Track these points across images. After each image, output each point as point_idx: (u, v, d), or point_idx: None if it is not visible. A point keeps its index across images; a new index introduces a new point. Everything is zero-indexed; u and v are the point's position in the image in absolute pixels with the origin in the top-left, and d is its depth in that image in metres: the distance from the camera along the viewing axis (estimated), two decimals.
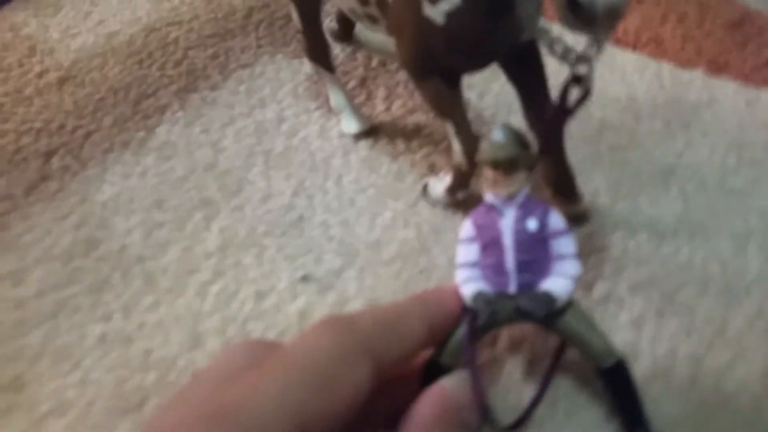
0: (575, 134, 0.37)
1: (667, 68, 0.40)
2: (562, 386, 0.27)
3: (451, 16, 0.27)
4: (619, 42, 0.42)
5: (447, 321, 0.24)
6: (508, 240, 0.25)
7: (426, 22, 0.27)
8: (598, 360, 0.24)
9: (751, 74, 0.39)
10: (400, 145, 0.38)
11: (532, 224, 0.25)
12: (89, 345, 0.32)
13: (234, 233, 0.35)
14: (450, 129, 0.30)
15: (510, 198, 0.25)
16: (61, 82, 0.47)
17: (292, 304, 0.32)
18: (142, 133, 0.42)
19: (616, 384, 0.24)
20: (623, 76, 0.40)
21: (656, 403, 0.25)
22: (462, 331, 0.24)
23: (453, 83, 0.30)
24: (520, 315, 0.24)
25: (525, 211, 0.25)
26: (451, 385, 0.23)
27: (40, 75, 0.48)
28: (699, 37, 0.41)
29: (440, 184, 0.34)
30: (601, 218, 0.32)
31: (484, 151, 0.25)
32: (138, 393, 0.29)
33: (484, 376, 0.25)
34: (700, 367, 0.27)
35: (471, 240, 0.25)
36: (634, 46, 0.41)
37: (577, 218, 0.31)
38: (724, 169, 0.34)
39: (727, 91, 0.38)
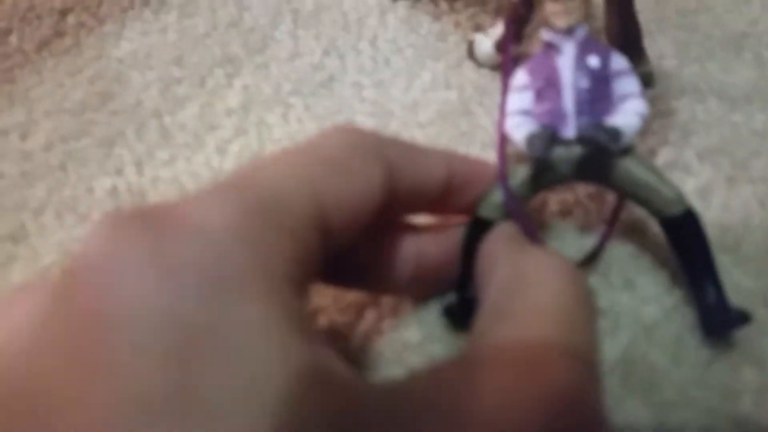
0: None
1: None
2: (617, 254, 0.24)
3: None
4: None
5: (469, 178, 0.22)
6: (567, 77, 0.22)
7: None
8: (664, 208, 0.21)
9: None
10: (443, 4, 0.35)
11: (593, 60, 0.22)
12: (98, 198, 0.29)
13: (258, 91, 0.32)
14: None
15: (569, 32, 0.22)
16: None
17: None
18: None
19: (684, 237, 0.21)
20: None
21: (725, 274, 0.22)
22: (511, 181, 0.21)
23: None
24: (578, 167, 0.21)
25: (585, 47, 0.22)
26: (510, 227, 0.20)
27: None
28: None
29: (488, 39, 0.30)
30: (666, 82, 0.29)
31: None
32: None
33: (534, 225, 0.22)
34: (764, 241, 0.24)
35: (523, 88, 0.23)
36: None
37: (641, 78, 0.28)
38: None
39: None
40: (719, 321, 0.21)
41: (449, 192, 0.21)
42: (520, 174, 0.22)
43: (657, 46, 0.30)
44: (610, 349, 0.22)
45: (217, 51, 0.34)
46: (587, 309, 0.19)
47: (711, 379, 0.21)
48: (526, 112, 0.22)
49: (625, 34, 0.28)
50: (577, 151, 0.21)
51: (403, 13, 0.35)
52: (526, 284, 0.19)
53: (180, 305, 0.13)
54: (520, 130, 0.22)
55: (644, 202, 0.22)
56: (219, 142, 0.31)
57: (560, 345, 0.17)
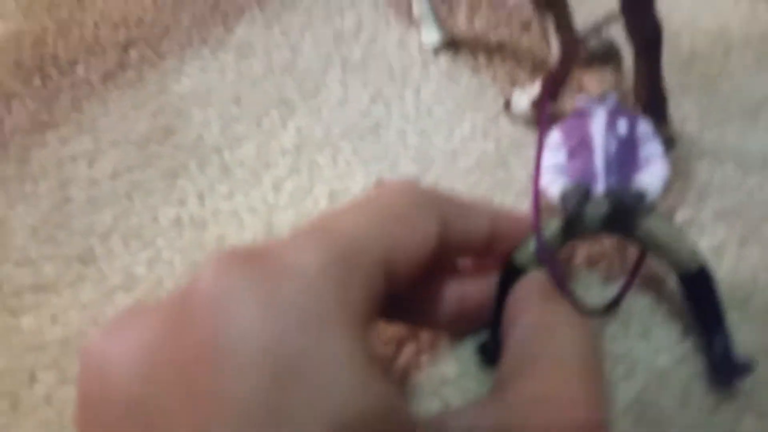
0: (665, 62, 0.36)
1: (763, 3, 0.38)
2: (636, 304, 0.27)
3: None
4: None
5: (510, 231, 0.24)
6: (598, 140, 0.24)
7: None
8: (682, 264, 0.24)
9: None
10: (482, 59, 0.38)
11: (622, 126, 0.25)
12: (163, 226, 0.32)
13: (310, 133, 0.35)
14: (550, 23, 0.30)
15: (601, 99, 0.25)
16: None
17: None
18: (220, 30, 0.42)
19: (698, 291, 0.24)
20: (715, 5, 0.38)
21: (734, 328, 0.24)
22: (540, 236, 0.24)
23: None
24: (605, 222, 0.24)
25: (614, 114, 0.25)
26: (539, 276, 0.23)
27: None
28: None
29: (525, 96, 0.33)
30: (688, 145, 0.31)
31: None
32: None
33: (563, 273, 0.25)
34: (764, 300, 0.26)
35: (558, 146, 0.25)
36: None
37: (664, 142, 0.31)
38: None
39: None
40: (725, 371, 0.24)
41: (492, 241, 0.24)
42: (552, 226, 0.24)
43: (681, 109, 0.33)
44: (625, 391, 0.25)
45: (272, 93, 0.37)
46: (599, 360, 0.22)
47: (715, 424, 0.24)
48: (559, 168, 0.25)
49: (652, 100, 0.31)
50: (605, 207, 0.24)
51: (445, 65, 0.38)
52: (548, 333, 0.22)
53: (280, 337, 0.16)
54: (554, 185, 0.24)
55: (663, 257, 0.24)
56: (274, 180, 0.33)
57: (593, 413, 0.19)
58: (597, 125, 0.25)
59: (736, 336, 0.24)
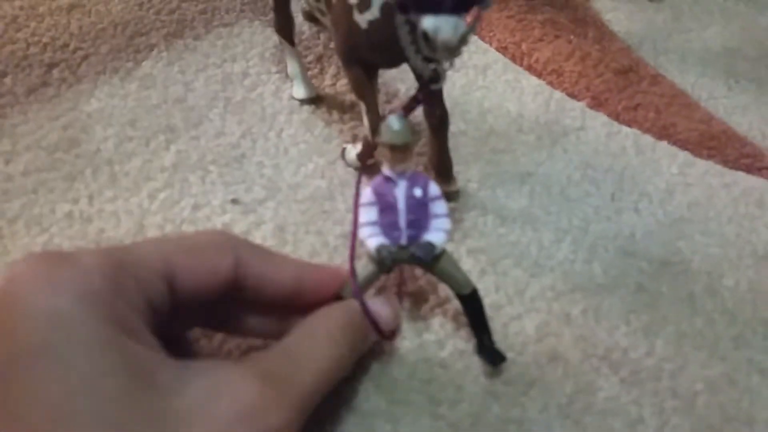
0: (469, 134, 0.46)
1: (557, 96, 0.50)
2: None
3: (371, 24, 0.36)
4: (530, 69, 0.52)
5: (314, 280, 0.32)
6: (401, 204, 0.32)
7: (354, 25, 0.37)
8: (461, 289, 0.34)
9: (622, 113, 0.49)
10: (335, 114, 0.48)
11: (418, 191, 0.33)
12: (58, 218, 0.41)
13: (187, 156, 0.44)
14: (363, 108, 0.40)
15: (402, 172, 0.33)
16: (71, 7, 0.55)
17: (220, 217, 0.41)
18: (131, 64, 0.50)
19: (472, 306, 0.34)
20: (521, 95, 0.49)
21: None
22: (361, 274, 0.32)
23: (371, 73, 0.39)
24: (413, 260, 0.33)
25: (412, 181, 0.33)
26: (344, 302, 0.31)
27: None
28: (592, 75, 0.51)
29: (354, 150, 0.43)
30: (465, 199, 0.42)
31: (384, 135, 0.32)
32: None
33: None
34: (499, 315, 0.37)
35: (371, 204, 0.33)
36: (540, 74, 0.51)
37: (448, 196, 0.41)
38: (569, 180, 0.44)
39: (597, 122, 0.48)
40: (490, 358, 0.34)
41: (299, 289, 0.31)
42: (366, 270, 0.33)
43: (468, 173, 0.43)
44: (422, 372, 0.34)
45: (163, 120, 0.47)
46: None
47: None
48: (374, 223, 0.33)
49: (440, 165, 0.41)
50: (407, 254, 0.33)
51: (305, 115, 0.47)
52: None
53: (52, 302, 0.23)
54: (372, 240, 0.32)
55: (449, 283, 0.34)
56: (151, 190, 0.42)
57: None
58: (399, 192, 0.33)
59: None
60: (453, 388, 0.34)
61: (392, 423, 0.32)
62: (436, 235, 0.33)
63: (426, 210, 0.33)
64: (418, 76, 0.37)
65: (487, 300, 0.36)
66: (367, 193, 0.33)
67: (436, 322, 0.36)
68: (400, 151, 0.32)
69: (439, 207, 0.33)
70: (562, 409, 0.33)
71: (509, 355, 0.35)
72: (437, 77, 0.32)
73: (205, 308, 0.30)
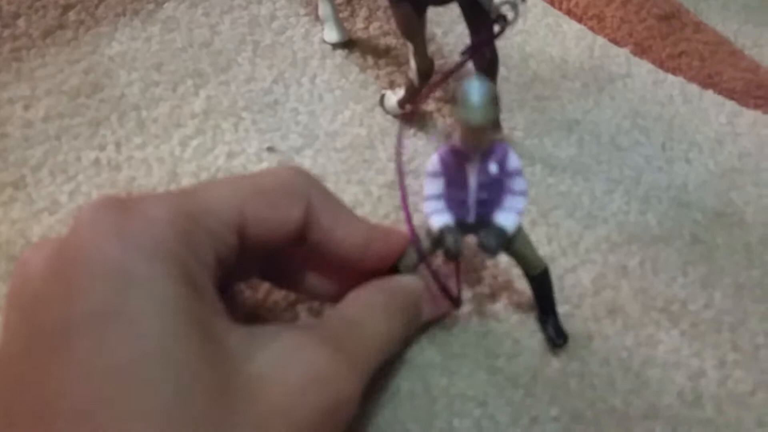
0: (511, 80, 0.45)
1: (600, 41, 0.48)
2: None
3: None
4: (569, 13, 0.49)
5: (385, 243, 0.29)
6: (472, 182, 0.28)
7: None
8: (531, 270, 0.31)
9: (666, 61, 0.47)
10: (370, 59, 0.45)
11: (493, 168, 0.28)
12: (84, 165, 0.39)
13: (218, 102, 0.42)
14: (410, 49, 0.38)
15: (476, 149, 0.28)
16: None
17: (257, 166, 0.39)
18: (151, 6, 0.48)
19: (540, 286, 0.32)
20: (563, 40, 0.47)
21: None
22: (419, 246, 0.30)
23: (420, 11, 0.37)
24: (480, 246, 0.29)
25: (488, 154, 0.28)
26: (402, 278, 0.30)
27: None
28: (634, 21, 0.49)
29: (394, 96, 0.41)
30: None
31: (460, 109, 0.26)
32: None
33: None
34: (553, 267, 0.35)
35: (437, 175, 0.29)
36: (580, 19, 0.49)
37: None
38: (618, 129, 0.42)
39: (642, 70, 0.46)
40: (556, 339, 0.32)
41: (368, 256, 0.28)
42: (425, 243, 0.30)
43: (513, 120, 0.41)
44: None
45: (189, 64, 0.44)
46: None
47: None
48: (439, 197, 0.29)
49: None
50: (480, 239, 0.29)
51: (339, 60, 0.45)
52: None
53: (121, 257, 0.21)
54: (436, 217, 0.29)
55: (519, 262, 0.31)
56: (182, 138, 0.40)
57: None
58: (471, 167, 0.28)
59: None
60: (510, 342, 0.33)
61: (448, 376, 0.31)
62: (507, 216, 0.29)
63: (500, 186, 0.29)
64: (475, 16, 0.35)
65: (541, 251, 0.34)
66: (434, 161, 0.29)
67: (488, 274, 0.35)
68: (479, 131, 0.27)
69: (517, 183, 0.29)
70: (623, 363, 0.32)
71: (565, 307, 0.33)
72: (504, 17, 0.30)
73: (265, 259, 0.28)
